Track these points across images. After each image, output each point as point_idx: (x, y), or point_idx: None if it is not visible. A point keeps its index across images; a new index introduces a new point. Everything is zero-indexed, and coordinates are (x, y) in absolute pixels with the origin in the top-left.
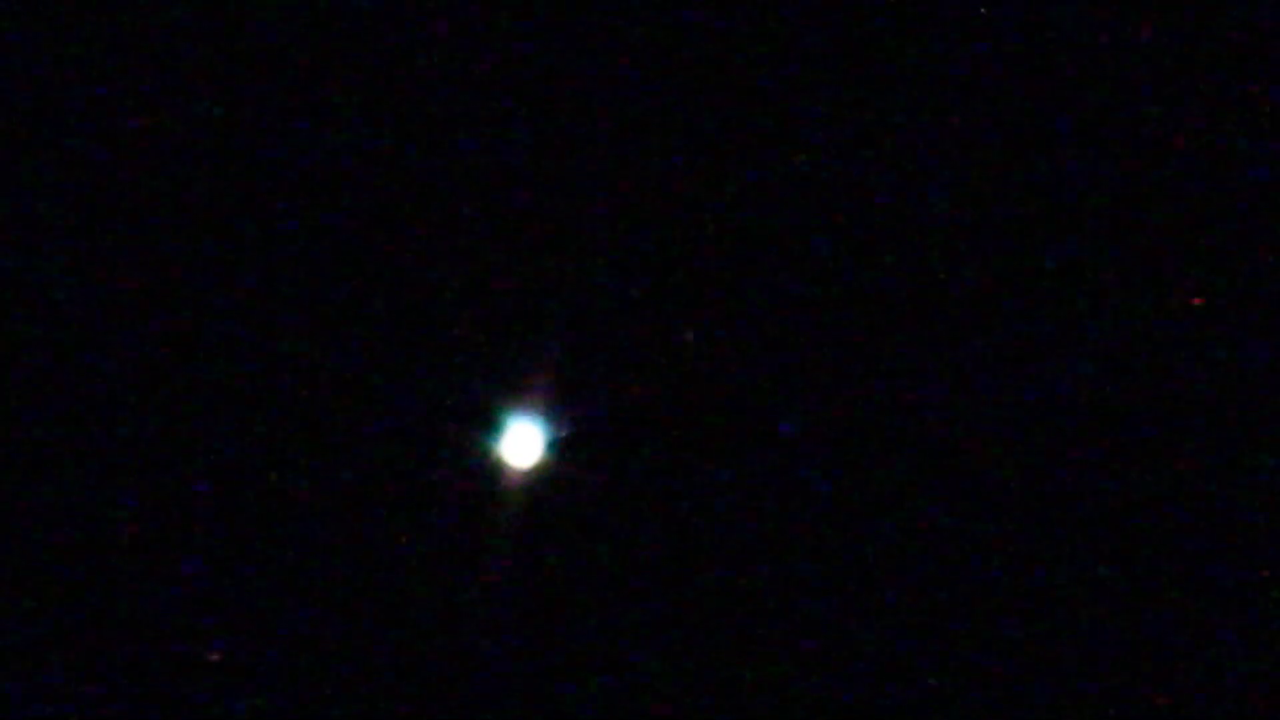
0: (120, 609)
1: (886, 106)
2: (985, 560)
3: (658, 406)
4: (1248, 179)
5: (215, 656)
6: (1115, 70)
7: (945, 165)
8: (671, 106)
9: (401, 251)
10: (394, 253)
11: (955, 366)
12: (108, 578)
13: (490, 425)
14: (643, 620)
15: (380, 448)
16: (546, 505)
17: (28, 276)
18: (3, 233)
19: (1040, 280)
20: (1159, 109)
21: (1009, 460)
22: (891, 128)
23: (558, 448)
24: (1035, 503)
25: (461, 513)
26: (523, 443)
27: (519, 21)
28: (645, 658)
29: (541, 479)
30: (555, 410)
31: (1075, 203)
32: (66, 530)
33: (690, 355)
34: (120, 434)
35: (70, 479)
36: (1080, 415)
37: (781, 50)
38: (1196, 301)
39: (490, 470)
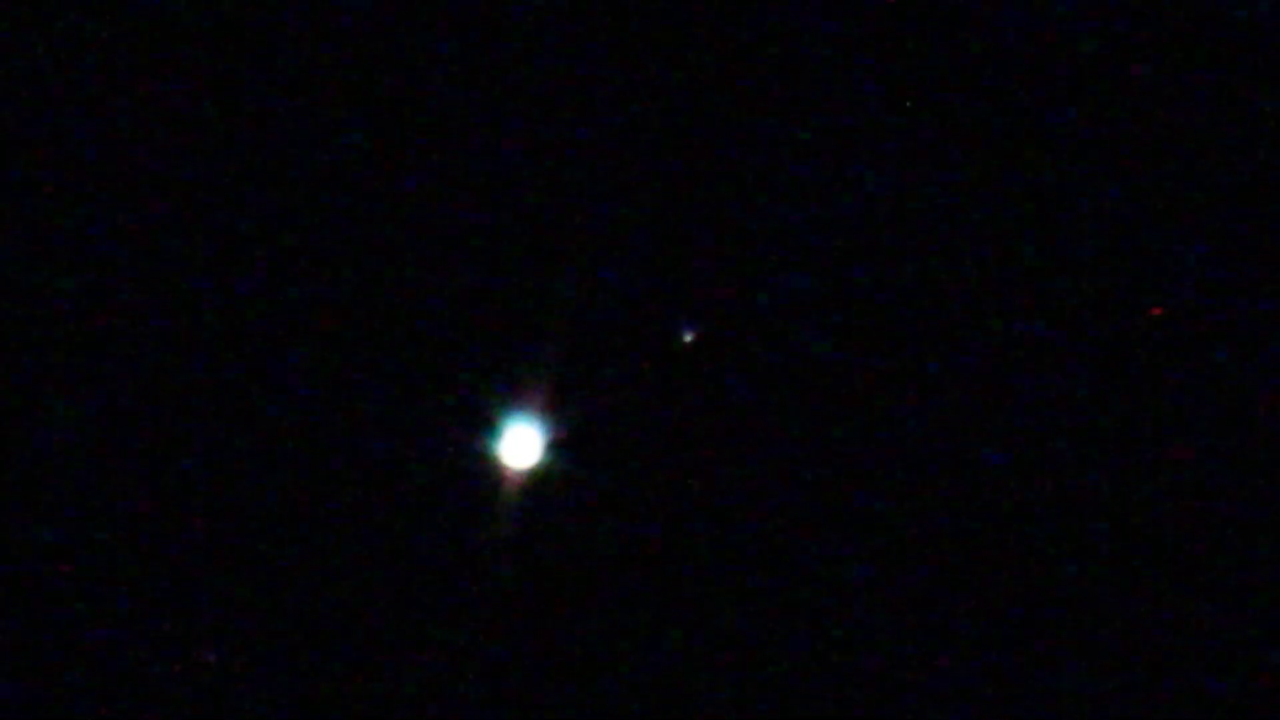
0: (120, 609)
1: (887, 106)
2: (985, 560)
3: (657, 407)
4: (1248, 179)
5: (212, 658)
6: (1115, 70)
7: (945, 165)
8: (671, 107)
9: (400, 252)
10: (392, 254)
11: (955, 366)
12: (107, 577)
13: (489, 426)
14: (642, 621)
15: (378, 448)
16: (545, 506)
17: (28, 276)
18: (2, 233)
19: (1040, 281)
20: (1159, 109)
21: (1008, 460)
22: (891, 127)
23: (557, 449)
24: (1035, 503)
25: (460, 514)
26: (521, 444)
27: (519, 21)
28: (645, 658)
29: (540, 480)
30: (554, 411)
31: (1075, 203)
32: (66, 530)
33: (689, 356)
34: (120, 433)
35: (70, 478)
36: (1080, 415)
37: (782, 50)
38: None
39: (489, 471)
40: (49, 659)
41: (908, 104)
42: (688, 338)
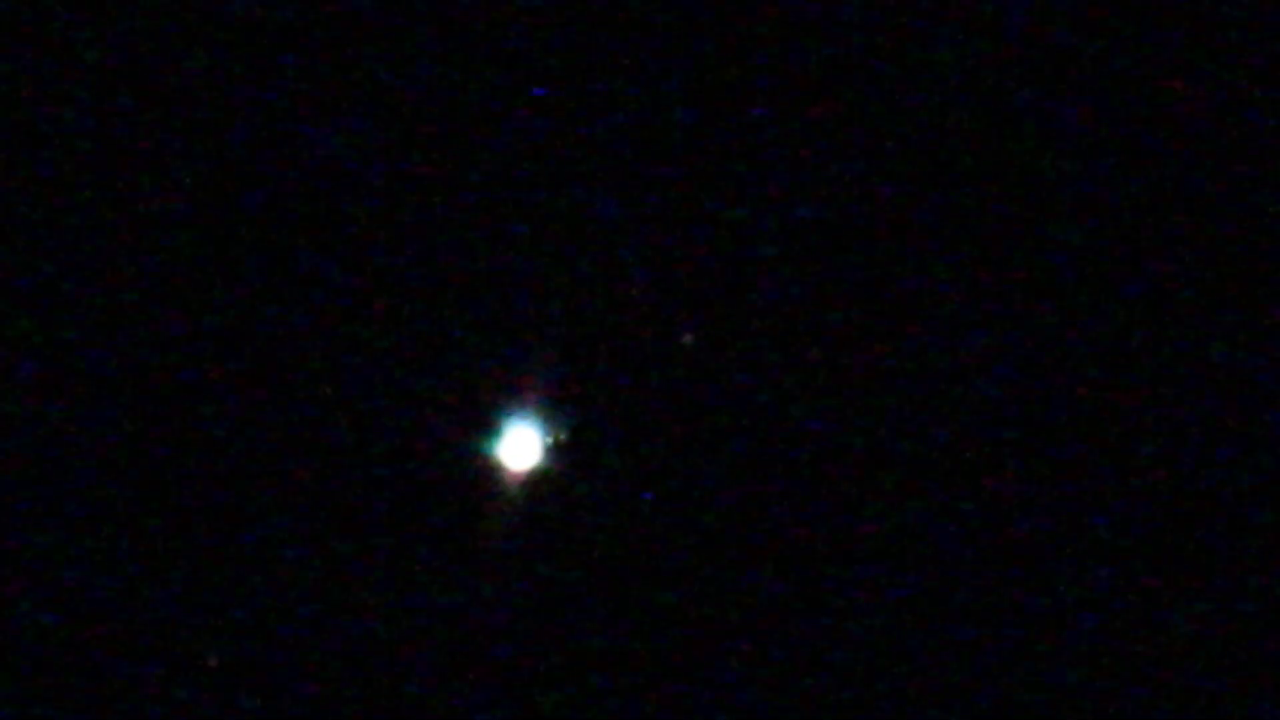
0: (119, 609)
1: (886, 106)
2: (984, 561)
3: (657, 408)
4: (1248, 179)
5: (212, 661)
6: (1115, 70)
7: (945, 165)
8: (670, 107)
9: (398, 253)
10: (391, 254)
11: (954, 367)
12: (107, 578)
13: (488, 427)
14: (642, 622)
15: (377, 450)
16: (544, 508)
17: (27, 276)
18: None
19: (1040, 281)
20: (1158, 109)
21: (1007, 461)
22: (891, 128)
23: (556, 450)
24: (1034, 503)
25: (459, 515)
26: (520, 445)
27: (518, 21)
28: (644, 659)
29: (539, 481)
30: (553, 412)
31: (1074, 203)
32: (65, 530)
33: (689, 357)
34: (119, 433)
35: (69, 479)
36: (1079, 415)
37: (782, 50)
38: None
39: (488, 472)
40: (49, 659)
41: (907, 104)
42: (687, 339)
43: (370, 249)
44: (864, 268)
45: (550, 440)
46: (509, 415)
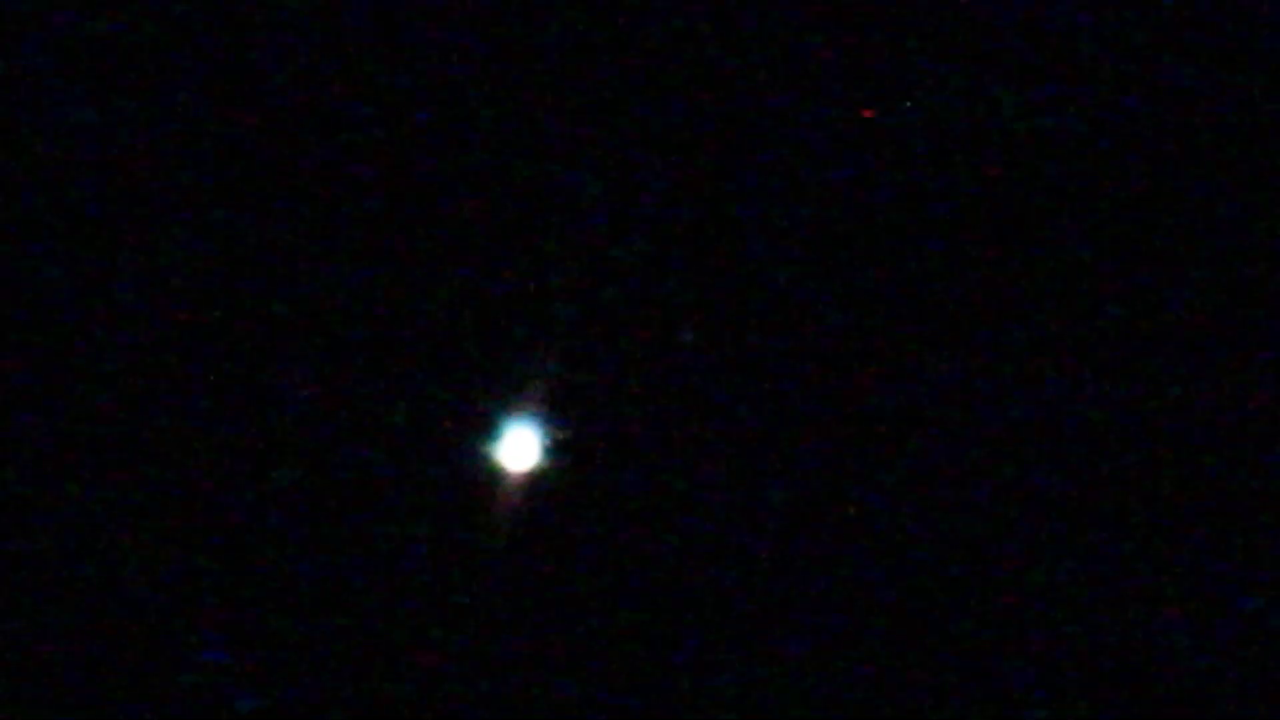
0: (118, 609)
1: (886, 107)
2: (984, 561)
3: (656, 409)
4: (1247, 180)
5: (210, 663)
6: (1114, 70)
7: (944, 165)
8: (669, 107)
9: (399, 254)
10: (391, 256)
11: (954, 367)
12: (105, 578)
13: (488, 429)
14: (641, 623)
15: (377, 451)
16: (544, 509)
17: (27, 276)
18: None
19: (1040, 282)
20: (1158, 109)
21: (1007, 462)
22: (891, 128)
23: (556, 451)
24: (1034, 504)
25: (459, 517)
26: (520, 446)
27: (517, 21)
28: (643, 660)
29: (539, 483)
30: (553, 414)
31: (1074, 204)
32: (65, 530)
33: (689, 357)
34: (118, 433)
35: (69, 479)
36: (1079, 416)
37: (781, 50)
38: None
39: (488, 474)
40: (49, 659)
41: (907, 104)
42: (687, 339)
43: (368, 252)
44: (864, 268)
45: (549, 441)
46: (508, 417)
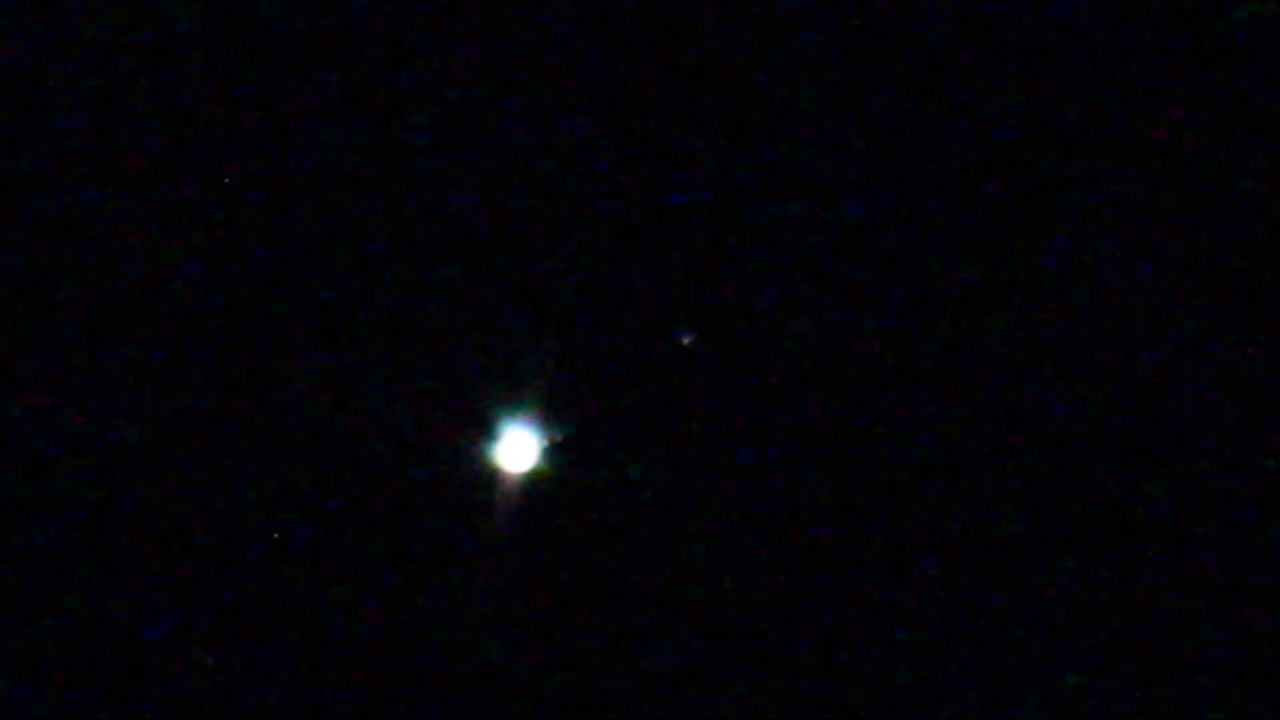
0: (117, 611)
1: (886, 107)
2: (983, 562)
3: (654, 410)
4: (1247, 180)
5: (209, 661)
6: (1114, 70)
7: (944, 166)
8: (667, 108)
9: (397, 255)
10: (390, 256)
11: (954, 368)
12: (104, 579)
13: (486, 429)
14: (640, 624)
15: (375, 452)
16: (542, 509)
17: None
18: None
19: (1040, 281)
20: (1157, 110)
21: (1007, 463)
22: (891, 128)
23: (553, 452)
24: (1034, 504)
25: (457, 517)
26: (518, 447)
27: (515, 22)
28: (643, 661)
29: (537, 483)
30: (551, 414)
31: (1074, 205)
32: (62, 531)
33: (688, 358)
34: (116, 434)
35: (67, 479)
36: (1078, 416)
37: (780, 51)
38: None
39: (485, 475)
40: (48, 659)
41: (907, 105)
42: (686, 341)
43: (367, 253)
44: (863, 268)
45: (547, 442)
46: (506, 417)
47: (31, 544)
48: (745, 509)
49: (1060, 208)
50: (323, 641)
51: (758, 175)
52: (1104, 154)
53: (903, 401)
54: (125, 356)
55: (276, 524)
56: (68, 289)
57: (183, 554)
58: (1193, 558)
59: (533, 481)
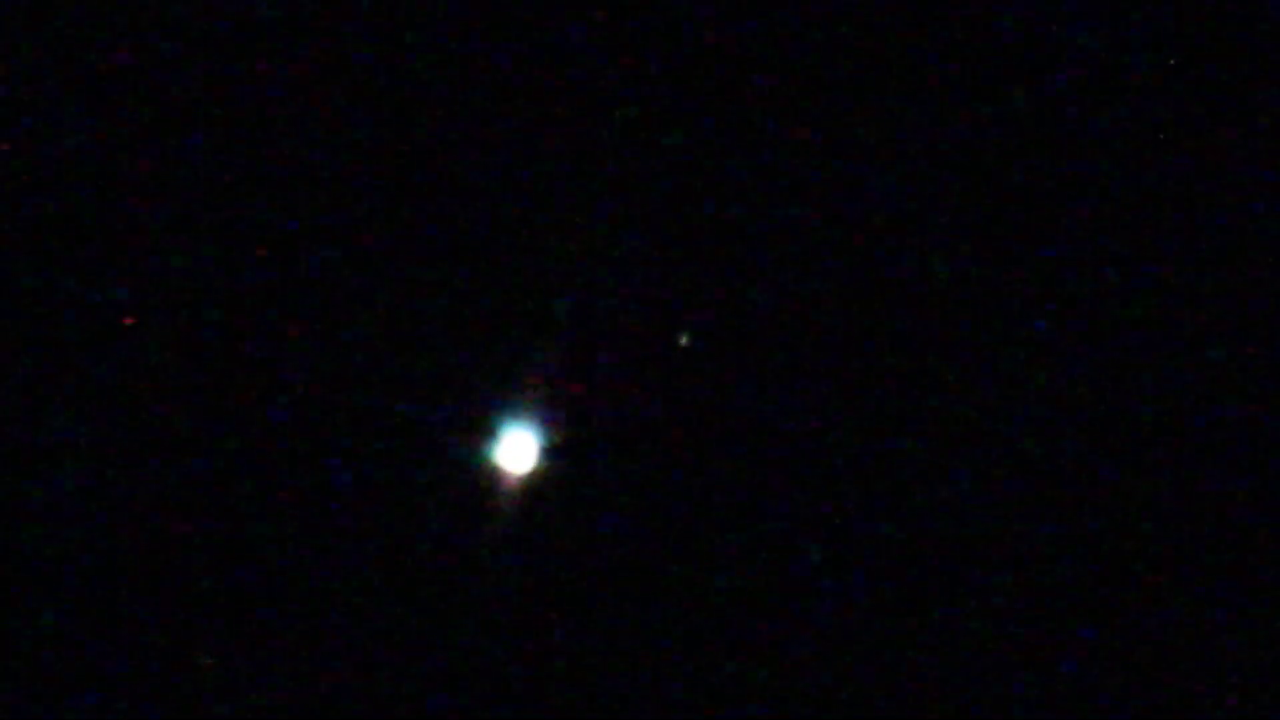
0: (115, 611)
1: (885, 107)
2: (984, 561)
3: (654, 411)
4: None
5: (209, 662)
6: (1114, 71)
7: (944, 166)
8: (664, 109)
9: (396, 256)
10: (388, 257)
11: (953, 368)
12: (102, 580)
13: (485, 431)
14: (639, 625)
15: (374, 454)
16: (542, 511)
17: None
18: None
19: (1039, 283)
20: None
21: (1007, 463)
22: (890, 129)
23: (553, 454)
24: (1034, 505)
25: (457, 519)
26: (518, 449)
27: (513, 22)
28: (642, 662)
29: (537, 485)
30: (551, 416)
31: (1075, 205)
32: (60, 533)
33: (687, 359)
34: (110, 435)
35: (65, 480)
36: (1078, 417)
37: (779, 51)
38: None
39: (485, 476)
40: (48, 659)
41: (905, 105)
42: (684, 341)
43: (365, 254)
44: (861, 268)
45: (547, 444)
46: (506, 419)
47: (32, 543)
48: (745, 509)
49: (1061, 207)
50: (320, 646)
51: (753, 176)
52: (1104, 154)
53: (903, 402)
54: (121, 356)
55: (274, 526)
56: (66, 289)
57: (181, 555)
58: (1192, 558)
59: (532, 483)
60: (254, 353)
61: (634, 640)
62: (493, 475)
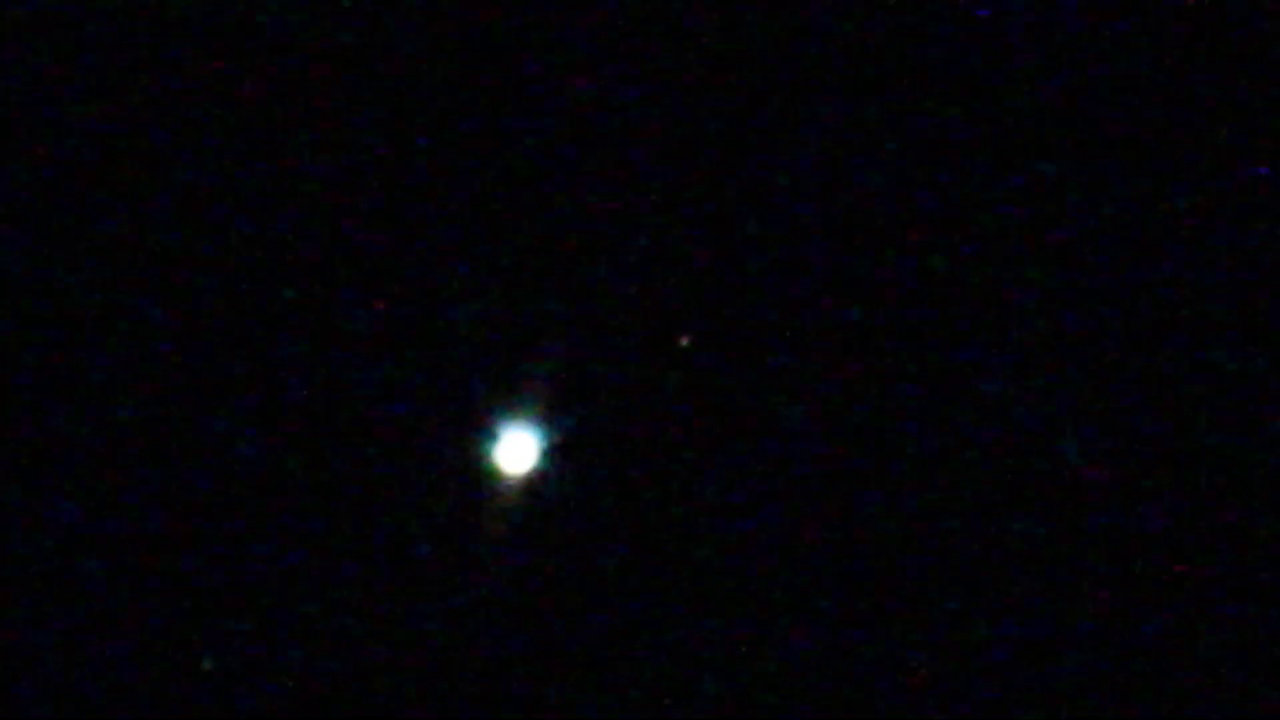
0: (111, 613)
1: (884, 107)
2: (984, 561)
3: (654, 412)
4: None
5: (207, 665)
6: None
7: (944, 166)
8: (661, 108)
9: (395, 256)
10: (387, 257)
11: (953, 369)
12: (98, 582)
13: (485, 431)
14: (637, 626)
15: (373, 453)
16: (541, 512)
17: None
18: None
19: (1040, 283)
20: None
21: (1007, 463)
22: (889, 128)
23: (553, 454)
24: (1034, 505)
25: (456, 519)
26: (518, 449)
27: (511, 22)
28: (639, 663)
29: (536, 485)
30: (551, 416)
31: (1074, 205)
32: (58, 536)
33: (686, 360)
34: (105, 436)
35: (61, 483)
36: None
37: (777, 51)
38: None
39: (485, 477)
40: (47, 659)
41: (905, 104)
42: (684, 342)
43: (364, 253)
44: (860, 269)
45: (546, 444)
46: (506, 419)
47: (30, 543)
48: (744, 511)
49: (1060, 207)
50: (319, 646)
51: (752, 176)
52: (1103, 154)
53: (903, 405)
54: (115, 356)
55: (273, 525)
56: (67, 287)
57: (178, 557)
58: (1193, 558)
59: (532, 484)
60: (249, 354)
61: (634, 640)
62: (492, 475)
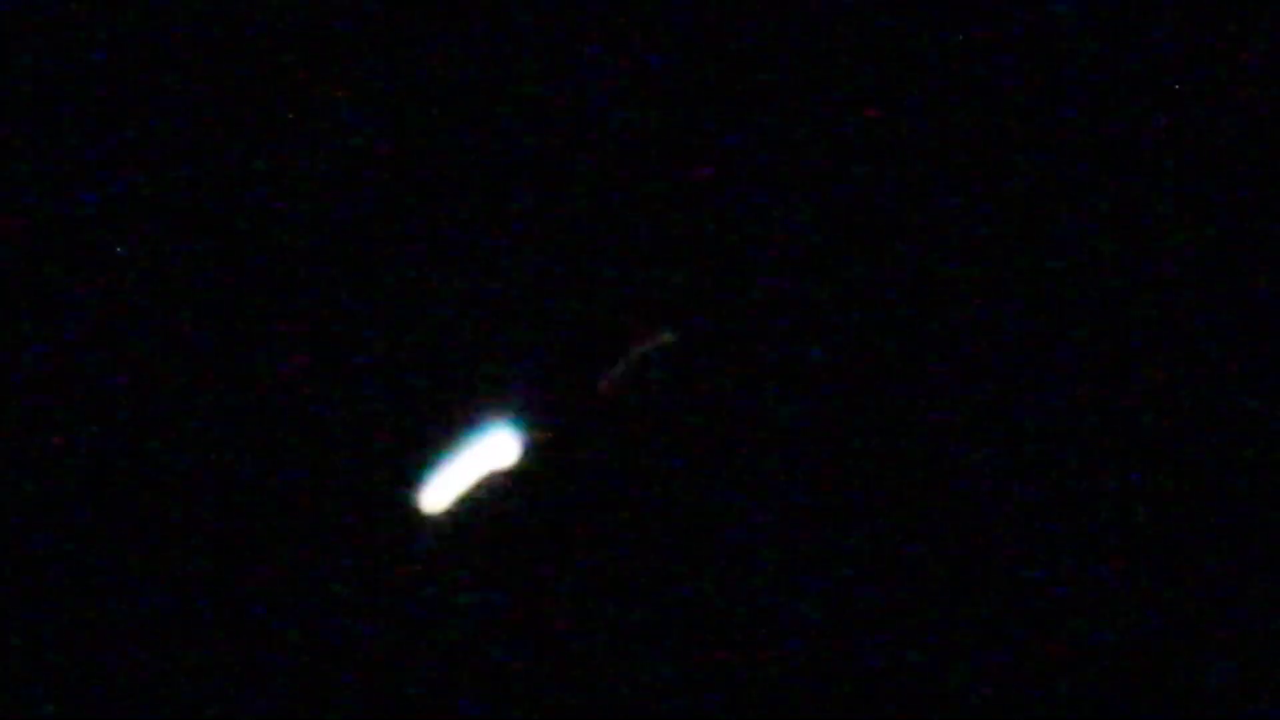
0: (93, 629)
1: (882, 107)
2: (984, 562)
3: (640, 408)
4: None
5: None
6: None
7: (944, 166)
8: (656, 106)
9: (382, 253)
10: (376, 255)
11: (952, 369)
12: (89, 593)
13: (468, 427)
14: (632, 626)
15: (355, 450)
16: (526, 508)
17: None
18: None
19: (1040, 284)
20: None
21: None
22: (887, 128)
23: (536, 450)
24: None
25: (435, 518)
26: (500, 445)
27: (508, 22)
28: (634, 663)
29: (519, 483)
30: (533, 412)
31: (1076, 205)
32: (60, 532)
33: (672, 356)
34: (97, 440)
35: (57, 492)
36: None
37: (775, 51)
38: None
39: (470, 474)
40: (47, 659)
41: (906, 104)
42: (669, 338)
43: (353, 252)
44: (854, 268)
45: (531, 440)
46: (490, 416)
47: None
48: (738, 510)
49: (1061, 207)
50: (308, 648)
51: (745, 173)
52: (1105, 153)
53: (900, 406)
54: (101, 360)
55: (259, 524)
56: (66, 288)
57: (177, 558)
58: (1192, 558)
59: (515, 481)
60: (241, 354)
61: (633, 640)
62: (476, 474)
